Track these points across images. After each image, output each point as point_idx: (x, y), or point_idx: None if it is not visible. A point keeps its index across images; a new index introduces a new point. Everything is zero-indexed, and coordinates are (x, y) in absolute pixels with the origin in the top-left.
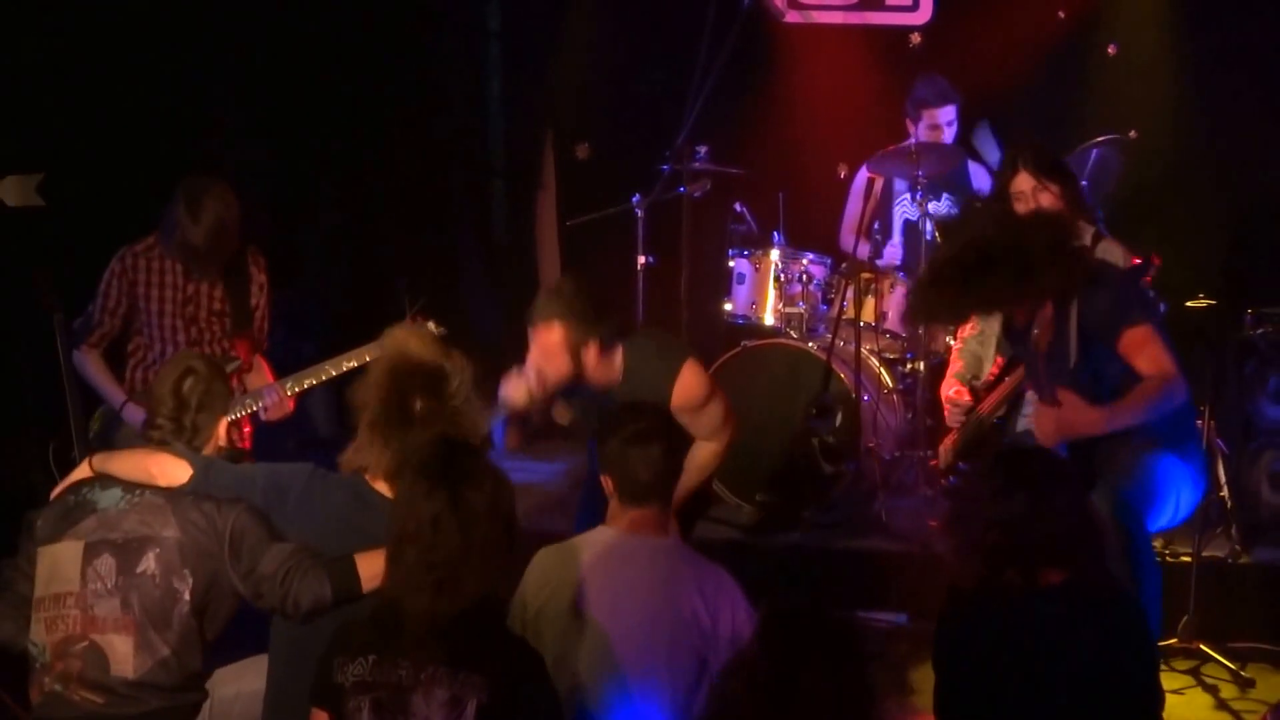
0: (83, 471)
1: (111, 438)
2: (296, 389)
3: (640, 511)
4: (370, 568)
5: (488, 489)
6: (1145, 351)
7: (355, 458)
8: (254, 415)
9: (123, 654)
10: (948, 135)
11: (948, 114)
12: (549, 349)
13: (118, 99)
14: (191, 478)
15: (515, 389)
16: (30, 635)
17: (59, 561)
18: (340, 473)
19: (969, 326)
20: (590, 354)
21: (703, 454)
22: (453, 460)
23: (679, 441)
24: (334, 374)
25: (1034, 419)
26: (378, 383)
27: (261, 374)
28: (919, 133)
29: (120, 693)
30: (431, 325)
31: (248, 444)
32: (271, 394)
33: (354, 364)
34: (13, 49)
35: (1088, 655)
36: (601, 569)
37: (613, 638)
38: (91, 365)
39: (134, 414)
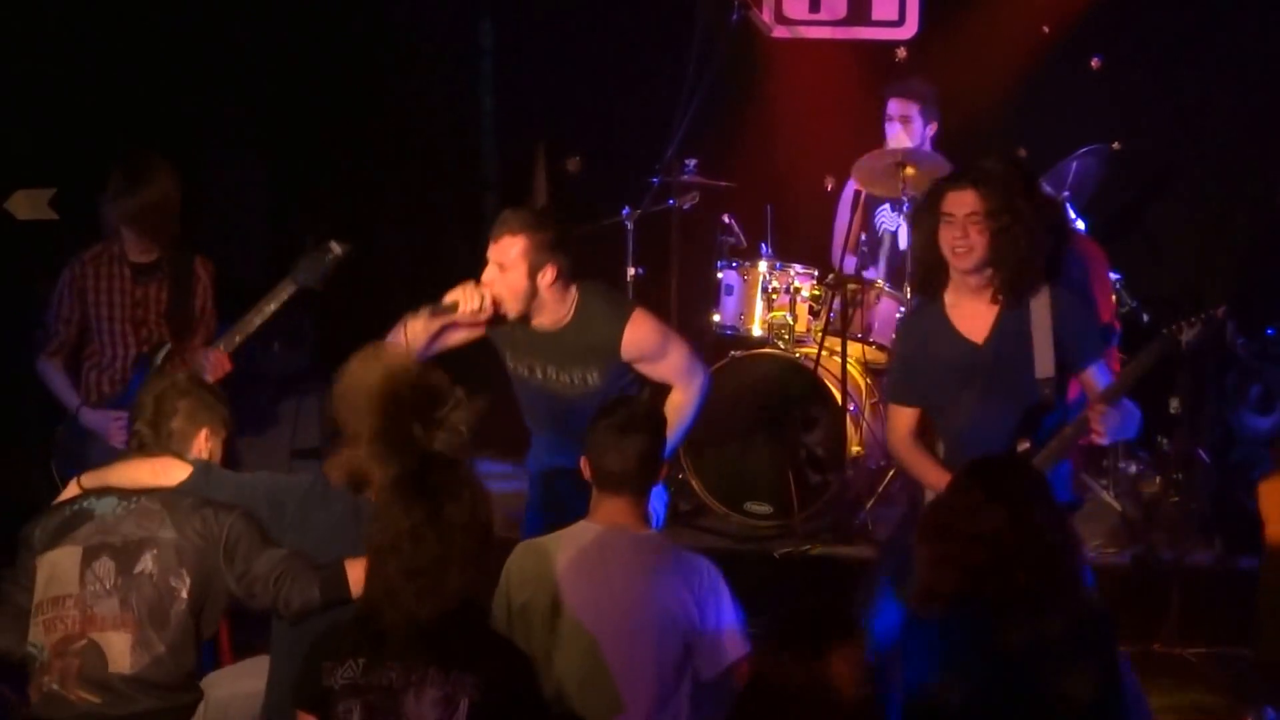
0: (72, 491)
1: (76, 442)
2: (229, 348)
3: (613, 502)
4: (358, 574)
5: (466, 501)
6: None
7: (343, 472)
8: None
9: (120, 651)
10: (901, 131)
11: (901, 107)
12: (509, 261)
13: (125, 114)
14: (190, 476)
15: (468, 295)
16: (29, 638)
17: (58, 567)
18: (341, 488)
19: None
20: (547, 279)
21: (677, 397)
22: (430, 473)
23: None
24: (259, 322)
25: (1095, 418)
26: (370, 407)
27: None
28: (887, 129)
29: (118, 690)
30: None
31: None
32: (207, 356)
33: (274, 306)
34: (29, 66)
35: (1056, 663)
36: (582, 564)
37: (595, 633)
38: (52, 373)
39: (90, 418)
